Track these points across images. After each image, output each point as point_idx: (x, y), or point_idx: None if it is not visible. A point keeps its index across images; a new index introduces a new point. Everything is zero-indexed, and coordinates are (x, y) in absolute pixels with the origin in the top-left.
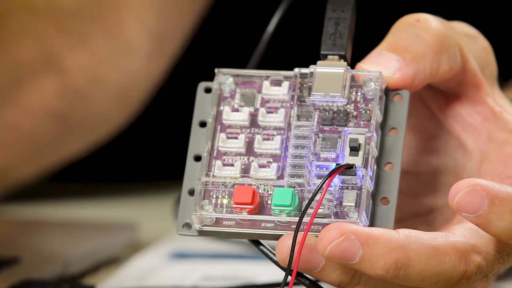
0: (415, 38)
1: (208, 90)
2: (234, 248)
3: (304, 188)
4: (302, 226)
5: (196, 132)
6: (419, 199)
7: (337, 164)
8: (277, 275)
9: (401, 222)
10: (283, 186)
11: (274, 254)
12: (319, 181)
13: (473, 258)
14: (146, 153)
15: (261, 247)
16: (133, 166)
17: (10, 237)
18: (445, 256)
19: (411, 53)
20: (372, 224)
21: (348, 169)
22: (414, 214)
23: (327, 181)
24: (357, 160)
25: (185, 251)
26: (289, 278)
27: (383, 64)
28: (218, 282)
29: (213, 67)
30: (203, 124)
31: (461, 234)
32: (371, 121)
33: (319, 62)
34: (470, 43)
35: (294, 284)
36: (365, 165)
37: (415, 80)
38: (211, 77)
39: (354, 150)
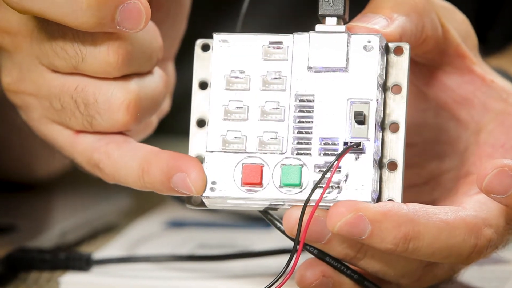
0: (398, 0)
1: (205, 47)
2: (230, 217)
3: (311, 163)
4: (309, 204)
5: (197, 94)
6: (413, 169)
7: (344, 143)
8: (272, 243)
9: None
10: (291, 164)
11: (281, 224)
12: (325, 157)
13: (485, 232)
14: None
15: (269, 216)
16: None
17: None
18: (455, 230)
19: (396, 12)
20: (381, 190)
21: (355, 147)
22: (410, 184)
23: (335, 164)
24: (363, 133)
25: (181, 219)
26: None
27: (371, 23)
28: (214, 250)
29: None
30: (203, 85)
31: (471, 208)
32: (374, 86)
33: (317, 26)
34: (449, 15)
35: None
36: (371, 137)
37: (403, 37)
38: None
39: (360, 123)
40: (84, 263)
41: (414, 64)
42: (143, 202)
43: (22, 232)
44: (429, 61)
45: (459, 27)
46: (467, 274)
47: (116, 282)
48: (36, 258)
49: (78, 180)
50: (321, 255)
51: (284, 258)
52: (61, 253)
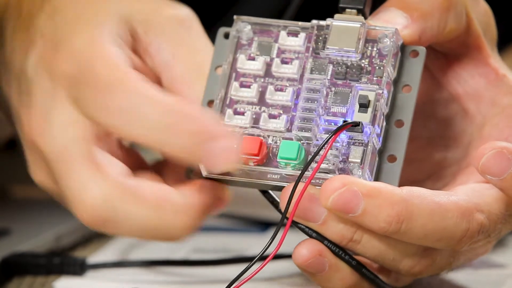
0: None
1: (227, 36)
2: (225, 221)
3: (311, 142)
4: (304, 179)
5: (212, 77)
6: (416, 164)
7: (344, 121)
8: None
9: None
10: (291, 139)
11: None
12: (326, 136)
13: (476, 217)
14: None
15: (268, 195)
16: None
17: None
18: (448, 212)
19: (418, 10)
20: (378, 179)
21: (354, 126)
22: (412, 179)
23: (331, 138)
24: (365, 117)
25: None
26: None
27: (391, 21)
28: (208, 254)
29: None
30: (219, 69)
31: (463, 193)
32: (383, 78)
33: (336, 16)
34: (473, 5)
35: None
36: (373, 122)
37: (422, 37)
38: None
39: (363, 106)
40: (78, 268)
41: (432, 51)
42: None
43: (16, 236)
44: (448, 50)
45: (481, 18)
46: (462, 278)
47: (110, 286)
48: (31, 263)
49: None
50: (320, 239)
51: (279, 263)
52: (56, 258)
